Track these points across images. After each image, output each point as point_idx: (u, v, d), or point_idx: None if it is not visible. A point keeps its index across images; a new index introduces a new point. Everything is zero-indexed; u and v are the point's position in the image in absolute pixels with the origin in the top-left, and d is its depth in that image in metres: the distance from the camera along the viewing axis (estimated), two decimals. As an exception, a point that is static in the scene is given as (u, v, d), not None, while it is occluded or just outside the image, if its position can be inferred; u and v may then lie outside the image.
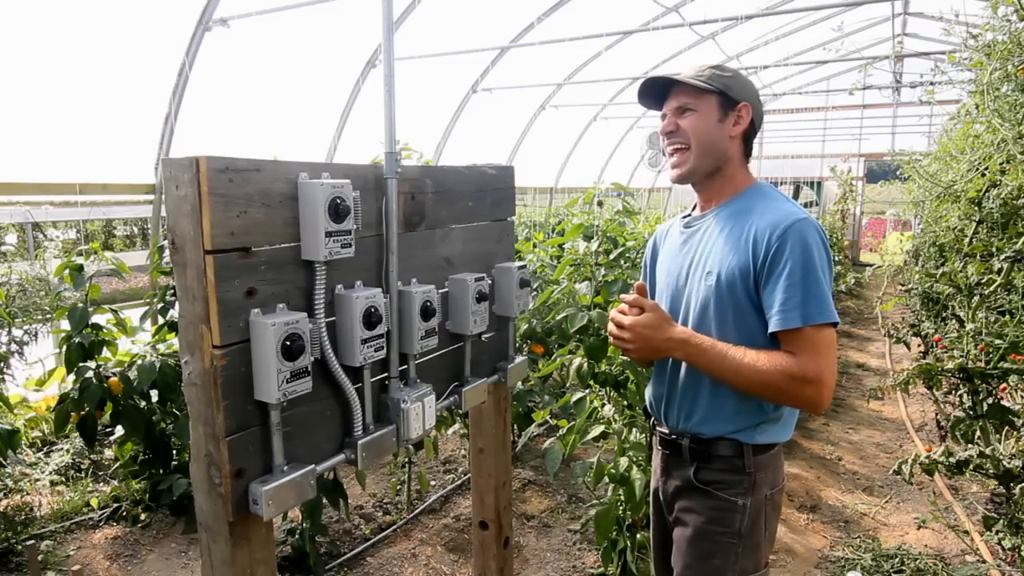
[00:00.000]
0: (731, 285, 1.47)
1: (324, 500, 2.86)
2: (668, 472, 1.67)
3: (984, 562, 3.02)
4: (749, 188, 1.59)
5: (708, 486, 1.56)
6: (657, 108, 1.64)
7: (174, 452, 3.47)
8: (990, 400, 3.03)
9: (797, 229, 1.41)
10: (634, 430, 2.68)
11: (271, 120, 6.07)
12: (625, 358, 2.88)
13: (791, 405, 1.47)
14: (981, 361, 2.92)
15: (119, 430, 3.40)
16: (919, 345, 4.83)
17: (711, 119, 1.53)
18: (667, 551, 1.73)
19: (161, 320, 3.47)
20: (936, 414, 4.32)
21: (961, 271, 3.28)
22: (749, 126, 1.57)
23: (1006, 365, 2.81)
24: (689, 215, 1.69)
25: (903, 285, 5.80)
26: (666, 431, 1.66)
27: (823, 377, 1.37)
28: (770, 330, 1.42)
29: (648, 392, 1.77)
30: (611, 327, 1.60)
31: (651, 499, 1.82)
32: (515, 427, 4.09)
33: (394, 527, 3.42)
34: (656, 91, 1.61)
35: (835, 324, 1.41)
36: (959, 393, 3.34)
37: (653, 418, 1.74)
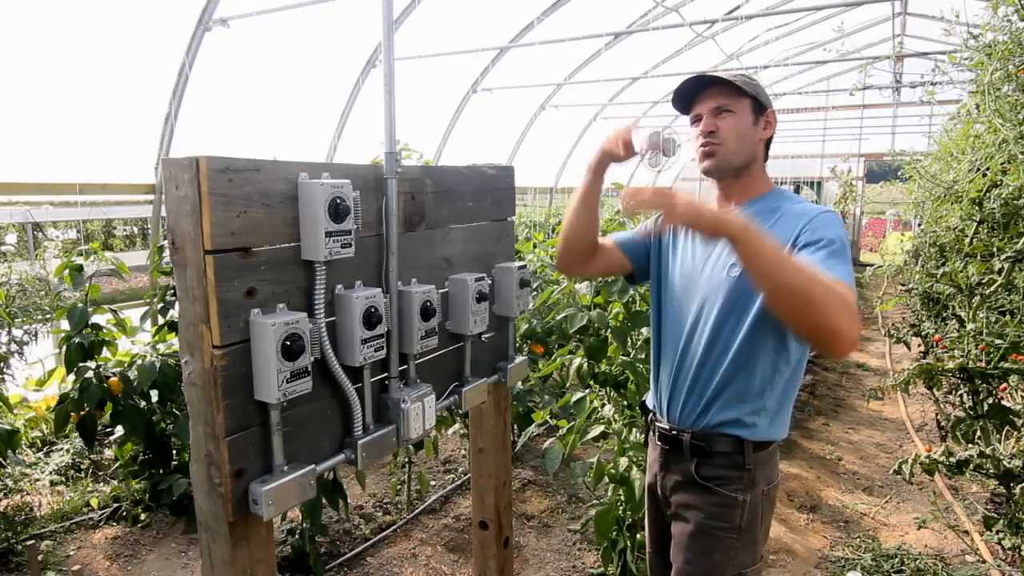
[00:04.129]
0: None
1: (324, 500, 2.86)
2: (667, 467, 1.69)
3: (984, 562, 3.02)
4: (771, 191, 1.64)
5: (709, 482, 1.58)
6: (686, 112, 1.66)
7: (174, 452, 3.47)
8: (990, 400, 3.03)
9: (828, 215, 1.48)
10: (634, 430, 2.68)
11: (271, 120, 6.07)
12: (625, 358, 2.89)
13: (823, 328, 1.27)
14: (981, 361, 2.92)
15: (119, 430, 3.40)
16: (919, 345, 4.83)
17: (747, 121, 1.58)
18: (663, 545, 1.75)
19: (161, 320, 3.47)
20: (936, 414, 4.32)
21: (962, 271, 3.28)
22: (772, 133, 1.64)
23: (1007, 365, 2.81)
24: None
25: (903, 285, 5.80)
26: (666, 426, 1.68)
27: (856, 318, 1.27)
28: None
29: (651, 386, 1.79)
30: (640, 195, 1.40)
31: (647, 494, 1.84)
32: (515, 427, 4.09)
33: (394, 527, 3.42)
34: (687, 93, 1.63)
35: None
36: (959, 393, 3.33)
37: (653, 413, 1.76)
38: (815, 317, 1.26)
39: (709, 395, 1.58)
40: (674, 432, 1.64)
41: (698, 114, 1.61)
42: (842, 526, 3.53)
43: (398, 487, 3.82)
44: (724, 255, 1.57)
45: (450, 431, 4.07)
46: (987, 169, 2.95)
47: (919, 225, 6.39)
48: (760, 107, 1.59)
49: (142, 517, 3.43)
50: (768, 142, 1.65)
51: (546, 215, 8.85)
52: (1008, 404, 3.05)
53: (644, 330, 2.98)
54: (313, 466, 1.34)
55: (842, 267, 1.37)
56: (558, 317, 3.08)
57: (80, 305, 3.27)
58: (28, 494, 3.61)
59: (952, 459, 2.48)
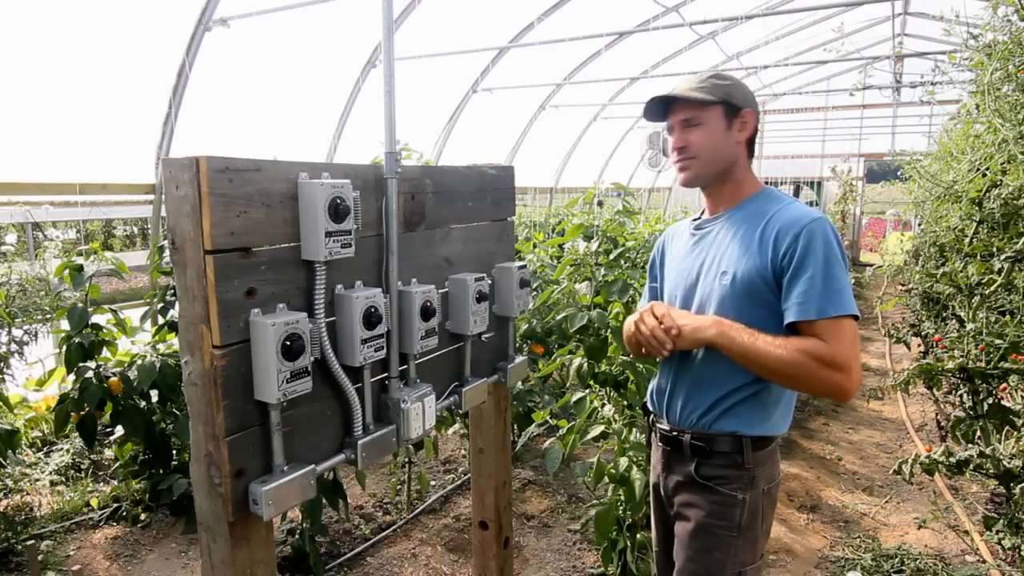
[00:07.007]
0: (748, 284, 1.51)
1: (324, 500, 2.86)
2: (669, 468, 1.71)
3: (984, 562, 3.02)
4: (759, 192, 1.63)
5: (709, 481, 1.59)
6: (661, 120, 1.68)
7: (174, 452, 3.47)
8: (990, 400, 3.03)
9: (814, 228, 1.46)
10: (634, 430, 2.68)
11: (271, 120, 6.07)
12: (625, 358, 2.89)
13: (818, 391, 1.45)
14: (981, 361, 2.92)
15: (119, 430, 3.40)
16: (919, 345, 4.82)
17: (718, 129, 1.57)
18: (669, 544, 1.76)
19: (161, 320, 3.47)
20: (936, 414, 4.32)
21: (961, 271, 3.28)
22: (751, 131, 1.62)
23: (1006, 365, 2.81)
24: (699, 218, 1.73)
25: (903, 285, 5.79)
26: (667, 427, 1.69)
27: (849, 363, 1.40)
28: (786, 321, 1.45)
29: (650, 388, 1.80)
30: (646, 324, 1.58)
31: (651, 495, 1.85)
32: (515, 427, 4.09)
33: (394, 527, 3.42)
34: (660, 104, 1.64)
35: (855, 317, 1.44)
36: (959, 393, 3.33)
37: (653, 414, 1.77)
38: (803, 388, 1.49)
39: (709, 396, 1.59)
40: (675, 433, 1.66)
41: (670, 126, 1.65)
42: (842, 526, 3.53)
43: (398, 487, 3.82)
44: (715, 264, 1.58)
45: (450, 431, 4.07)
46: (987, 169, 2.95)
47: (919, 225, 6.39)
48: (733, 109, 1.57)
49: (142, 517, 3.43)
50: (751, 141, 1.63)
51: (546, 215, 8.84)
52: (1008, 404, 3.05)
53: (644, 330, 2.97)
54: (313, 466, 1.34)
55: (827, 300, 1.41)
56: (558, 317, 3.08)
57: (80, 305, 3.27)
58: (28, 494, 3.61)
59: (952, 459, 2.48)
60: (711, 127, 1.57)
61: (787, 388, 1.54)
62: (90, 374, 3.22)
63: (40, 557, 3.01)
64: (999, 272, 3.01)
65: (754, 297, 1.50)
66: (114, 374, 3.25)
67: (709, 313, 1.57)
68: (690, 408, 1.62)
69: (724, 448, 1.57)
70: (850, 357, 1.40)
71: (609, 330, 2.96)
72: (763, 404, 1.56)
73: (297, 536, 2.91)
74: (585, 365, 3.00)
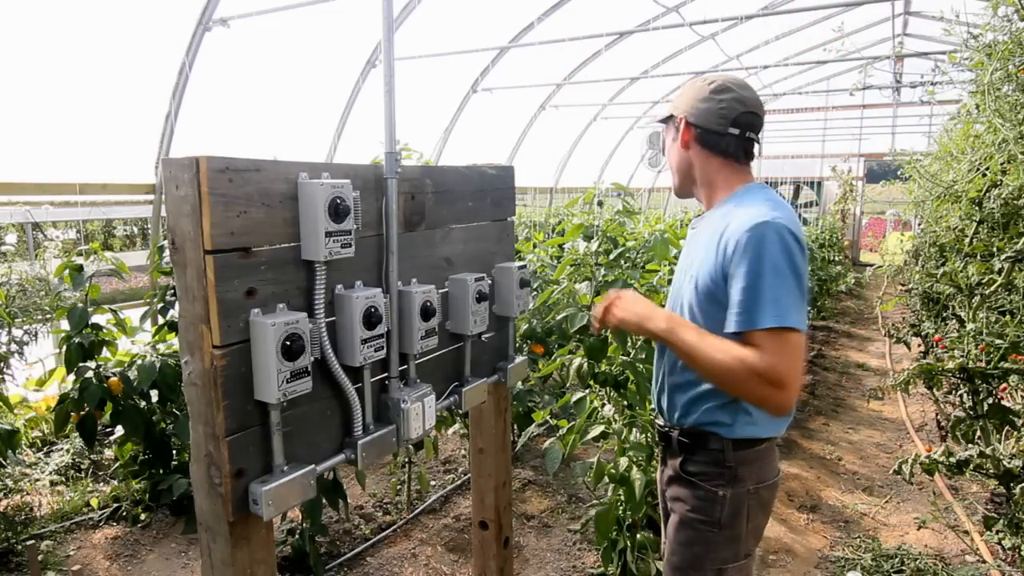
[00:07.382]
0: (706, 290, 1.51)
1: (324, 500, 2.86)
2: (664, 463, 1.75)
3: (984, 562, 3.02)
4: (733, 193, 1.60)
5: (692, 477, 1.62)
6: None
7: (174, 452, 3.47)
8: (990, 400, 3.03)
9: (752, 234, 1.40)
10: (634, 430, 2.68)
11: (271, 120, 6.07)
12: (625, 358, 2.89)
13: (751, 402, 1.46)
14: (981, 361, 2.92)
15: (119, 430, 3.40)
16: (919, 345, 4.83)
17: (669, 141, 1.72)
18: None
19: (161, 320, 3.47)
20: (936, 414, 4.32)
21: (962, 271, 3.28)
22: (695, 132, 1.60)
23: (1006, 365, 2.81)
24: (698, 216, 1.76)
25: (903, 285, 5.79)
26: (661, 423, 1.73)
27: (783, 378, 1.35)
28: (724, 331, 1.44)
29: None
30: (598, 308, 1.68)
31: (659, 489, 1.88)
32: (515, 427, 4.09)
33: (394, 527, 3.42)
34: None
35: (794, 328, 1.36)
36: (959, 393, 3.34)
37: (655, 411, 1.80)
38: (739, 396, 1.47)
39: (690, 394, 1.61)
40: (667, 429, 1.69)
41: None
42: (842, 526, 3.53)
43: (398, 487, 3.82)
44: (692, 266, 1.59)
45: (450, 431, 4.07)
46: (987, 169, 2.95)
47: (919, 225, 6.39)
48: (673, 120, 1.67)
49: (142, 517, 3.43)
50: (705, 142, 1.59)
51: (546, 215, 8.84)
52: (1008, 404, 3.05)
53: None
54: (313, 466, 1.34)
55: (757, 312, 1.37)
56: (558, 317, 3.08)
57: (80, 305, 3.27)
58: (28, 494, 3.61)
59: (952, 459, 2.48)
60: (667, 141, 1.72)
61: (729, 394, 1.50)
62: (90, 374, 3.22)
63: (40, 557, 3.01)
64: (999, 272, 3.02)
65: (714, 301, 1.50)
66: (114, 374, 3.25)
67: (686, 314, 1.59)
68: (673, 407, 1.66)
69: (707, 446, 1.58)
70: (785, 372, 1.34)
71: (609, 330, 2.96)
72: (744, 407, 1.54)
73: (297, 536, 2.91)
74: (585, 365, 3.00)
